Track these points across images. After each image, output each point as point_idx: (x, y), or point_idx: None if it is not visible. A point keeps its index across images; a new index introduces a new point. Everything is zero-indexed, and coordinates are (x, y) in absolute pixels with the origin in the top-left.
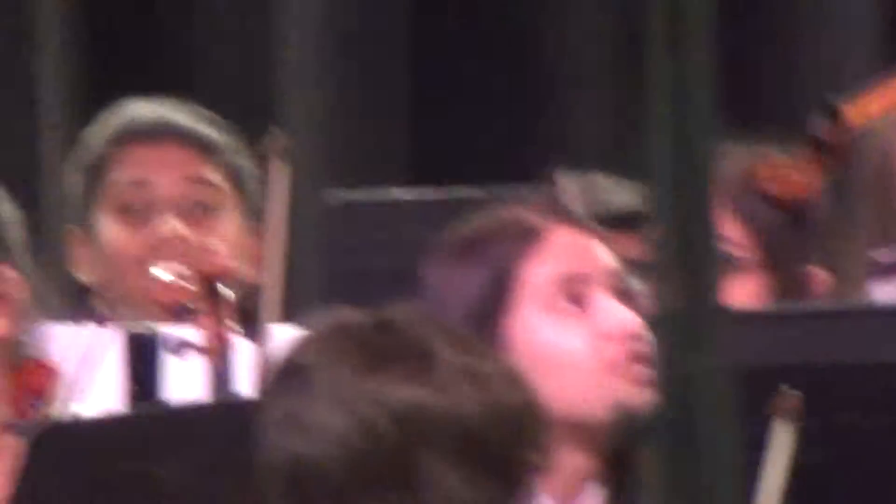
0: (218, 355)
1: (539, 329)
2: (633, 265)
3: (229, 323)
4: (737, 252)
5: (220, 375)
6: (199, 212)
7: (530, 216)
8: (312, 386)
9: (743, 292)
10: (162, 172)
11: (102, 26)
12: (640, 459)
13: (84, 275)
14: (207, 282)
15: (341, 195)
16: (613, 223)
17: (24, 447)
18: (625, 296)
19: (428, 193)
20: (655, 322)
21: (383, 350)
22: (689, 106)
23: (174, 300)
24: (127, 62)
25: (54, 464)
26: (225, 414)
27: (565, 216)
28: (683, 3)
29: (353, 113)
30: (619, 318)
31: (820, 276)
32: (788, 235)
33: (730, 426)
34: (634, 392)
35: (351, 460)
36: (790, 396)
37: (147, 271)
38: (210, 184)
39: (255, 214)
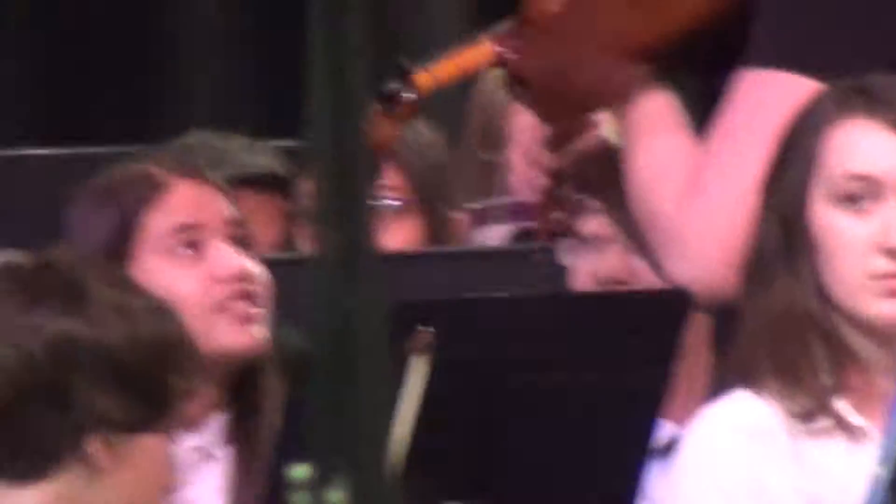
0: None
1: (157, 274)
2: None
3: None
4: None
5: None
6: None
7: (156, 170)
8: None
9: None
10: None
11: None
12: (265, 387)
13: None
14: None
15: None
16: (247, 182)
17: None
18: (241, 243)
19: (61, 151)
20: (315, 263)
21: (40, 287)
22: (345, 71)
23: None
24: None
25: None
26: None
27: (188, 171)
28: None
29: None
30: (229, 261)
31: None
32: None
33: (381, 359)
34: (239, 328)
35: (12, 384)
36: (424, 333)
37: None
38: None
39: None
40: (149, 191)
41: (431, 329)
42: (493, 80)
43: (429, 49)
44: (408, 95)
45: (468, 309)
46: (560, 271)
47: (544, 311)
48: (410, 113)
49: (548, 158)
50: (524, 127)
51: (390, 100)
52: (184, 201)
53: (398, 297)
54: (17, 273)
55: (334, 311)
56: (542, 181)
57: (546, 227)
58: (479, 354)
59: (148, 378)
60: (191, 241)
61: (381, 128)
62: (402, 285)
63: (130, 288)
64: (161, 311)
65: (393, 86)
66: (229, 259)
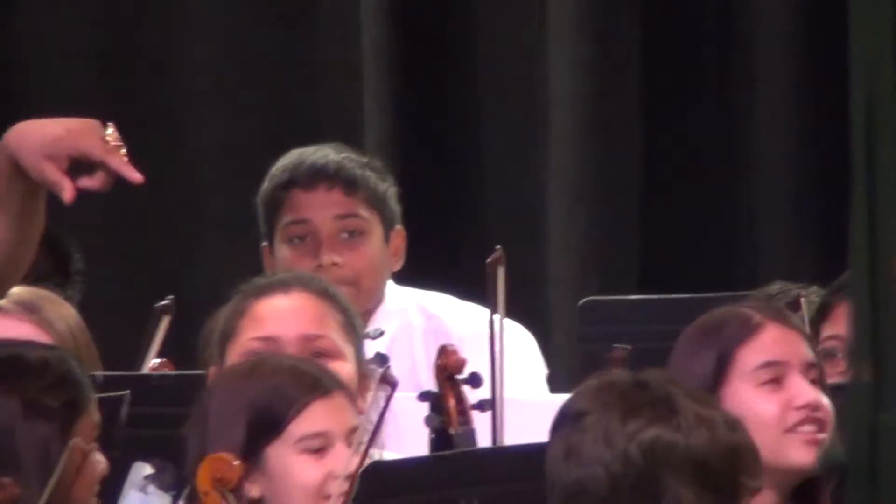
0: (459, 425)
1: (746, 400)
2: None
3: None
4: None
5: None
6: (347, 238)
7: (750, 312)
8: (585, 427)
9: None
10: (316, 212)
11: None
12: (822, 498)
13: None
14: (447, 373)
15: (592, 298)
16: None
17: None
18: (813, 378)
19: (654, 297)
20: (850, 389)
21: (638, 400)
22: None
23: None
24: None
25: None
26: (515, 454)
27: (777, 314)
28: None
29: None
30: (806, 393)
31: None
32: None
33: None
34: (807, 449)
35: (612, 481)
36: None
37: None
38: (356, 215)
39: (391, 222)
40: (744, 330)
41: None
42: None
43: None
44: None
45: None
46: None
47: None
48: None
49: None
50: None
51: None
52: (773, 341)
53: None
54: (619, 387)
55: (866, 429)
56: None
57: None
58: None
59: (724, 477)
60: (775, 376)
61: None
62: None
63: (710, 403)
64: (734, 423)
65: None
66: (806, 391)
